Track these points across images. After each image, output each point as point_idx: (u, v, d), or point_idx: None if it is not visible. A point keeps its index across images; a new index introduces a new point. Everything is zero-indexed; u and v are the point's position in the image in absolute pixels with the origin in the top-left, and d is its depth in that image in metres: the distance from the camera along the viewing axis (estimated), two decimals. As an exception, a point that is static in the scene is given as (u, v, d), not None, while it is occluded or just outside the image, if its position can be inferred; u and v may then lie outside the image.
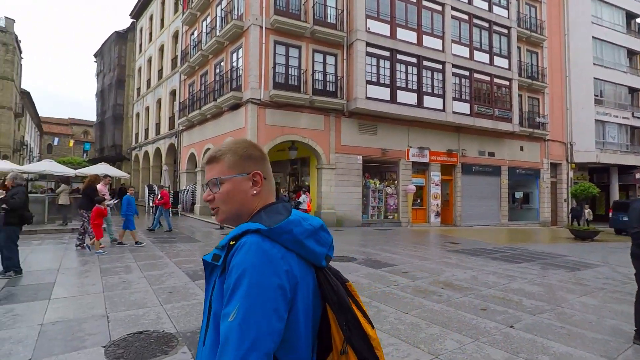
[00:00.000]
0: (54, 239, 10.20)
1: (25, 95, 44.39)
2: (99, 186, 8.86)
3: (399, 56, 15.69)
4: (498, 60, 18.64)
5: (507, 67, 18.90)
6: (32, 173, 17.06)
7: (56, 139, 41.91)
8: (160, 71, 23.80)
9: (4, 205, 5.70)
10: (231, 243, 0.84)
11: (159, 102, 23.73)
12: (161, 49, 23.72)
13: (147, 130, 25.76)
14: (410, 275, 6.62)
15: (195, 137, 18.40)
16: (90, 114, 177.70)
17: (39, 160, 40.71)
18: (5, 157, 30.70)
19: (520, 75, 19.92)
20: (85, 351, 3.37)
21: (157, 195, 13.55)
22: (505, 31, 19.06)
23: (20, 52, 39.74)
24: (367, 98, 14.83)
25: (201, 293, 5.30)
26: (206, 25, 17.63)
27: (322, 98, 14.63)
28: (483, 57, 18.20)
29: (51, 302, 4.75)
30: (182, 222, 15.33)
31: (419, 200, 17.41)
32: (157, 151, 23.51)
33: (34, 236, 10.46)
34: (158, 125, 23.71)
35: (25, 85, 40.50)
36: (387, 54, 15.49)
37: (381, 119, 15.88)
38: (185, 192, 18.45)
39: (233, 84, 15.03)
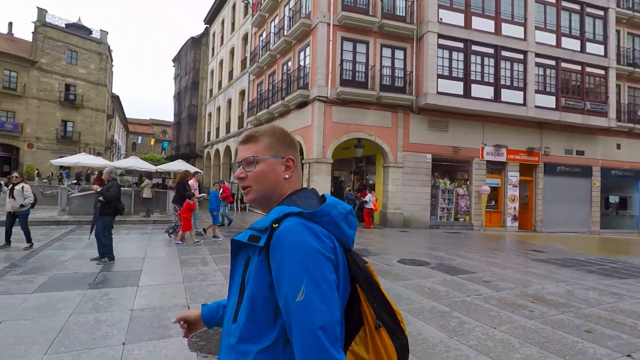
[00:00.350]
0: (138, 230, 11.11)
1: (115, 99, 49.68)
2: (190, 182, 9.43)
3: (474, 47, 14.64)
4: (591, 47, 16.57)
5: (602, 54, 16.73)
6: (120, 168, 18.86)
7: (139, 138, 46.19)
8: (231, 72, 24.98)
9: (100, 198, 6.25)
10: (274, 225, 0.86)
11: (229, 102, 24.95)
12: (232, 52, 24.89)
13: (218, 129, 27.25)
14: (493, 284, 6.04)
15: (263, 135, 18.94)
16: (167, 114, 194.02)
17: (125, 157, 45.33)
18: (99, 154, 34.64)
19: (618, 62, 17.53)
20: (170, 340, 3.48)
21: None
22: (601, 13, 16.88)
23: (112, 61, 44.49)
24: (438, 93, 14.05)
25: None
26: (274, 26, 18.05)
27: (389, 94, 14.17)
28: (573, 44, 16.29)
29: (139, 289, 5.08)
30: (249, 217, 15.90)
31: (493, 203, 16.14)
32: (227, 149, 24.74)
33: (123, 226, 11.49)
34: (228, 125, 24.94)
35: (114, 89, 45.41)
36: (460, 45, 14.54)
37: (453, 114, 14.97)
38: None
39: (300, 82, 15.19)
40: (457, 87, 14.42)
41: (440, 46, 14.20)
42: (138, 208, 14.22)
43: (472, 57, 14.63)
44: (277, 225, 0.86)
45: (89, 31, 40.74)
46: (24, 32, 62.97)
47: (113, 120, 48.33)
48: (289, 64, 16.51)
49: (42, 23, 36.62)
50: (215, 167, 27.65)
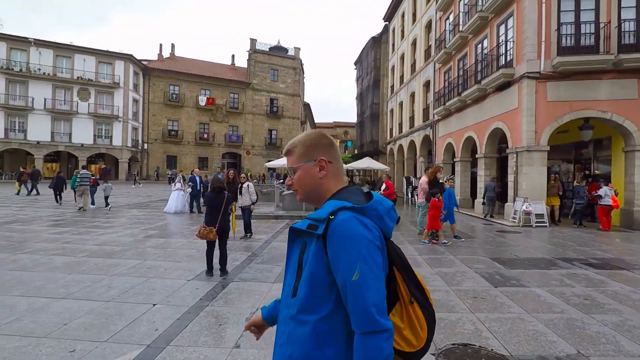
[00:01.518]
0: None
1: (306, 107, 56.38)
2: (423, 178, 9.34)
3: None
4: None
5: None
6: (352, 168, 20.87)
7: (327, 139, 50.71)
8: (413, 65, 24.30)
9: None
10: (330, 217, 1.01)
11: (412, 95, 24.34)
12: (413, 43, 24.17)
13: (400, 124, 27.05)
14: None
15: (453, 126, 17.55)
16: (348, 116, 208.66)
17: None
18: (296, 156, 39.94)
19: None
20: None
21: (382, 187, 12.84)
22: None
23: (303, 73, 50.57)
24: None
25: (513, 304, 4.49)
26: (464, 5, 16.36)
27: (635, 55, 10.65)
28: None
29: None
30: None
31: None
32: (411, 144, 24.21)
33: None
34: (412, 119, 24.37)
35: (305, 98, 51.43)
36: None
37: None
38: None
39: (500, 60, 13.18)
40: None
41: None
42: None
43: None
44: (332, 217, 1.01)
45: (286, 50, 47.46)
46: (240, 60, 79.69)
47: (305, 125, 55.05)
48: (484, 42, 14.60)
49: (253, 50, 44.78)
50: (399, 162, 27.56)
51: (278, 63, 46.01)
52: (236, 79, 44.53)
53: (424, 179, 9.34)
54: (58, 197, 15.47)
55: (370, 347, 0.95)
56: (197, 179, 13.63)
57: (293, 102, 47.23)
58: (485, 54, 14.36)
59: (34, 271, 5.44)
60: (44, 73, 33.25)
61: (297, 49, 47.89)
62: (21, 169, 22.41)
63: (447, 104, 17.25)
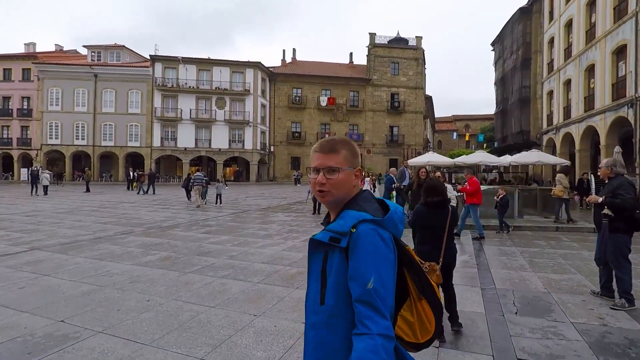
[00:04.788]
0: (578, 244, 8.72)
1: (428, 100, 52.17)
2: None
3: None
4: None
5: None
6: (466, 164, 17.66)
7: (454, 134, 45.95)
8: (589, 31, 19.05)
9: (605, 211, 4.04)
10: (352, 230, 1.09)
11: (588, 69, 19.10)
12: (589, 3, 18.93)
13: (567, 108, 21.72)
14: None
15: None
16: (463, 108, 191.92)
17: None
18: (419, 154, 36.61)
19: None
20: None
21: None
22: None
23: (424, 63, 46.69)
24: None
25: None
26: None
27: None
28: None
29: None
30: None
31: None
32: (588, 130, 19.03)
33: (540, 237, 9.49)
34: (588, 99, 19.14)
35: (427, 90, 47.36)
36: None
37: None
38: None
39: None
40: None
41: None
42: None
43: None
44: (354, 229, 1.09)
45: (406, 41, 44.38)
46: (358, 57, 78.46)
47: (427, 120, 50.95)
48: None
49: (372, 45, 42.94)
50: (563, 155, 22.21)
51: (398, 55, 43.28)
52: (356, 77, 43.35)
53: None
54: (188, 195, 17.21)
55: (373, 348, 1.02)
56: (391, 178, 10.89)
57: (415, 95, 43.90)
58: None
59: (215, 307, 4.17)
60: (190, 86, 37.07)
61: (419, 38, 44.38)
62: (138, 172, 27.41)
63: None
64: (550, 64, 24.31)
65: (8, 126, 37.35)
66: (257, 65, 38.42)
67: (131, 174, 27.74)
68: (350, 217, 1.12)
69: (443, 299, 3.60)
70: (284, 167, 41.89)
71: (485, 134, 43.87)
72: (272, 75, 41.31)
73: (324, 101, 41.27)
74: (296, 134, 41.85)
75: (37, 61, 36.66)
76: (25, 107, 37.37)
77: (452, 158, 21.97)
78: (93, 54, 38.20)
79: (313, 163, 1.23)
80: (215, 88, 37.49)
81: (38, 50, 40.57)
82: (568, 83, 21.67)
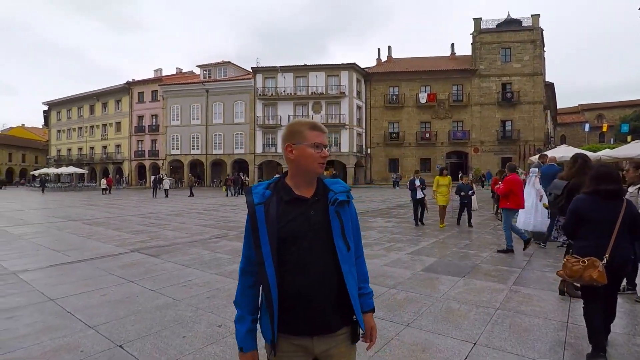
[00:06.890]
0: None
1: (549, 87, 44.97)
2: None
3: None
4: None
5: None
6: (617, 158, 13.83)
7: (587, 125, 38.51)
8: None
9: None
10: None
11: None
12: None
13: None
14: None
15: None
16: (598, 97, 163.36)
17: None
18: (539, 150, 31.29)
19: None
20: None
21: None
22: None
23: (543, 45, 40.28)
24: None
25: None
26: None
27: None
28: None
29: None
30: None
31: None
32: None
33: None
34: None
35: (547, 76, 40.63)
36: None
37: None
38: None
39: None
40: None
41: None
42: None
43: None
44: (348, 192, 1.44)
45: (519, 22, 38.96)
46: (461, 48, 71.96)
47: (547, 112, 43.94)
48: None
49: (478, 32, 38.70)
50: None
51: (510, 39, 38.15)
52: (459, 68, 39.57)
53: None
54: None
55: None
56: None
57: (533, 83, 38.11)
58: None
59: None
60: (287, 93, 38.24)
61: (535, 17, 38.49)
62: (227, 177, 30.09)
63: None
64: None
65: (142, 140, 43.87)
66: (352, 67, 37.77)
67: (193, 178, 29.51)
68: (344, 185, 1.45)
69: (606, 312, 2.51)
70: (381, 169, 40.30)
71: (629, 124, 35.70)
72: (367, 76, 40.21)
73: (423, 98, 38.55)
74: (394, 135, 39.90)
75: (162, 83, 42.09)
76: (154, 123, 43.36)
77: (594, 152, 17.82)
78: (205, 71, 42.26)
79: (318, 138, 1.39)
80: (312, 93, 37.93)
81: (164, 74, 46.67)
82: None
